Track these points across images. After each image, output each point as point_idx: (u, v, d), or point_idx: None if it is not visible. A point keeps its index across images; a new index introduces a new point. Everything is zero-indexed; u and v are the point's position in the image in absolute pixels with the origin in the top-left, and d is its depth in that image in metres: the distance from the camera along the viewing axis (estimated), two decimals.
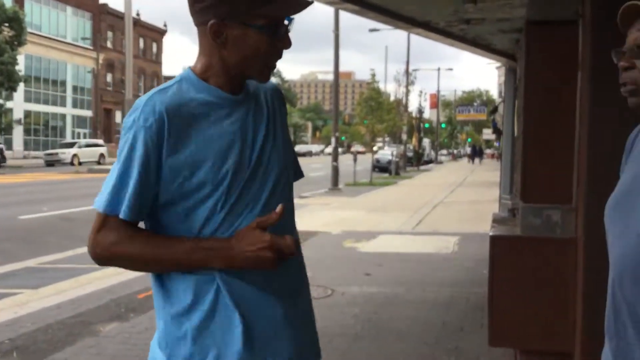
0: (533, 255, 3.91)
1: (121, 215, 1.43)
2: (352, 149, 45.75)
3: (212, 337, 1.46)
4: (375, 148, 32.68)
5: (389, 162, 34.39)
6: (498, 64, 16.63)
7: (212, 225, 1.46)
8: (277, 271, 1.47)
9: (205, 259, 1.44)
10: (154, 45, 58.51)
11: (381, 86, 39.69)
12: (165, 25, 59.63)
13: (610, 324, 1.55)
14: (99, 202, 1.46)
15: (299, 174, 1.71)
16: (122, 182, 1.44)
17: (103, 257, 1.47)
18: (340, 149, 28.24)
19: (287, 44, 1.49)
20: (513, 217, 4.98)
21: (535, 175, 3.99)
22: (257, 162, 1.49)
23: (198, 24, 1.48)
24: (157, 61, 59.25)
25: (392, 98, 40.39)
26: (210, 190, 1.44)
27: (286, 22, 1.47)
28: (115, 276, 7.39)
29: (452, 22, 8.18)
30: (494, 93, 70.87)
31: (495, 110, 20.63)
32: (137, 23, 49.11)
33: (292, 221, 1.61)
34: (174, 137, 1.43)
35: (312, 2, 1.47)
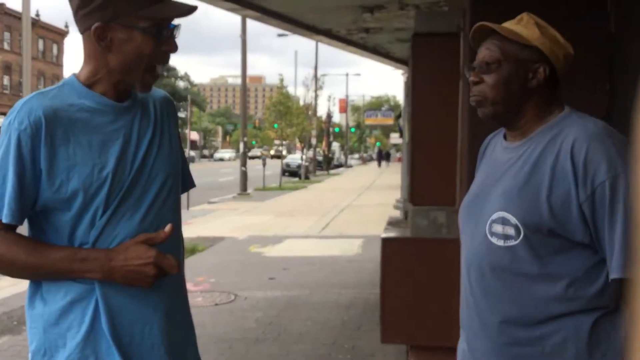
0: (421, 255, 4.11)
1: (3, 220, 1.43)
2: (263, 153, 45.73)
3: (92, 348, 1.47)
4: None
5: (299, 166, 34.63)
6: (402, 70, 17.15)
7: (95, 231, 1.47)
8: (157, 285, 1.49)
9: (84, 269, 1.44)
10: (55, 47, 56.23)
11: (291, 90, 39.93)
12: (66, 26, 57.39)
13: (463, 317, 1.71)
14: None
15: (190, 183, 1.74)
16: (0, 187, 1.44)
17: None
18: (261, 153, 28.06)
19: (173, 47, 1.52)
20: (406, 219, 5.20)
21: (423, 179, 4.20)
22: (139, 169, 1.51)
23: (83, 30, 1.50)
24: (58, 63, 56.96)
25: (301, 102, 40.71)
26: (91, 195, 1.45)
27: (172, 27, 1.50)
28: (8, 288, 7.11)
29: (352, 31, 8.43)
30: (401, 98, 72.89)
31: (400, 115, 21.29)
32: (37, 24, 47.08)
33: (179, 232, 1.63)
34: (51, 141, 1.44)
35: (196, 8, 1.51)
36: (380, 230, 11.43)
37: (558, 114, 1.59)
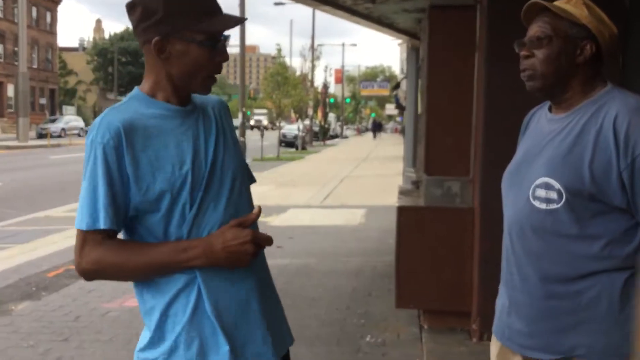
0: (435, 223, 4.24)
1: (102, 226, 1.54)
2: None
3: (197, 331, 1.59)
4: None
5: (296, 137, 34.66)
6: (400, 41, 17.10)
7: (186, 226, 1.58)
8: (249, 270, 1.62)
9: (188, 259, 1.55)
10: (48, 15, 55.61)
11: (287, 61, 39.74)
12: None
13: (504, 274, 1.84)
14: (78, 222, 1.56)
15: (251, 179, 1.84)
16: (93, 198, 1.55)
17: (90, 272, 1.58)
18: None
19: (225, 57, 1.64)
20: (417, 189, 5.32)
21: (438, 149, 4.31)
22: (212, 163, 1.62)
23: (143, 43, 1.61)
24: (52, 31, 56.41)
25: (297, 73, 40.57)
26: (176, 192, 1.57)
27: (223, 38, 1.62)
28: (19, 256, 7.24)
29: (358, 1, 8.43)
30: (397, 69, 72.57)
31: (397, 86, 21.28)
32: None
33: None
34: (132, 149, 1.55)
35: (246, 19, 1.64)
36: (382, 201, 11.60)
37: (601, 89, 1.70)
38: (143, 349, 1.64)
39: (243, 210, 1.67)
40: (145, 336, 1.65)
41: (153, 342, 1.62)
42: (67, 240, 8.30)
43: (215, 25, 1.59)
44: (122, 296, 5.43)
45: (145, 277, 1.61)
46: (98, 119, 1.60)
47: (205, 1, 1.60)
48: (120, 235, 1.64)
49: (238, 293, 1.62)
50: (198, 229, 1.59)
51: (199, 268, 1.58)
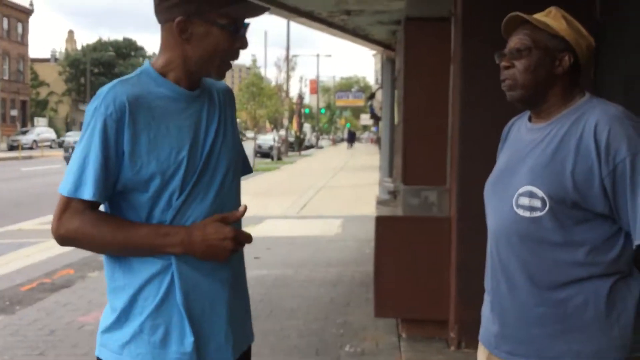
0: (413, 233, 4.28)
1: (86, 197, 1.52)
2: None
3: (164, 318, 1.59)
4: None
5: (271, 147, 34.61)
6: (374, 52, 17.25)
7: (171, 212, 1.58)
8: (225, 262, 1.62)
9: (165, 244, 1.55)
10: (20, 26, 54.94)
11: (261, 71, 39.74)
12: (31, 5, 56.15)
13: (488, 282, 1.87)
14: (63, 187, 1.55)
15: (247, 169, 1.84)
16: (84, 167, 1.53)
17: (67, 238, 1.57)
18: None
19: (245, 44, 1.64)
20: (394, 199, 5.37)
21: (415, 159, 4.36)
22: (208, 154, 1.62)
23: (164, 20, 1.60)
24: (23, 43, 55.73)
25: (272, 84, 40.62)
26: (168, 177, 1.56)
27: (244, 25, 1.62)
28: None
29: (334, 13, 8.51)
30: (371, 80, 73.07)
31: (372, 96, 21.42)
32: (1, 2, 45.96)
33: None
34: (134, 125, 1.54)
35: (269, 8, 1.65)
36: (358, 211, 11.65)
37: (580, 99, 1.75)
38: (107, 330, 1.62)
39: (230, 204, 1.67)
40: (108, 316, 1.63)
41: (119, 324, 1.61)
42: (40, 253, 8.19)
43: (240, 11, 1.59)
44: (98, 309, 5.37)
45: (119, 254, 1.60)
46: (104, 89, 1.58)
47: None
48: (102, 208, 1.63)
49: (210, 286, 1.62)
50: (182, 217, 1.59)
51: (176, 255, 1.57)
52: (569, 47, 1.73)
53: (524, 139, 1.82)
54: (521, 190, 1.71)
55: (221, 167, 1.66)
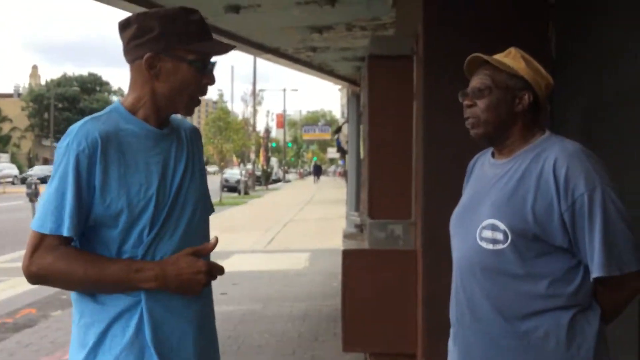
0: (380, 266, 4.31)
1: (65, 232, 1.54)
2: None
3: (135, 355, 1.59)
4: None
5: (238, 181, 34.51)
6: (340, 86, 17.49)
7: (142, 248, 1.60)
8: (193, 299, 1.64)
9: (139, 280, 1.56)
10: None
11: (228, 106, 39.82)
12: None
13: (453, 314, 1.91)
14: (39, 224, 1.56)
15: (210, 208, 1.86)
16: (61, 203, 1.55)
17: (39, 276, 1.57)
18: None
19: (212, 80, 1.69)
20: (361, 232, 5.41)
21: (380, 193, 4.42)
22: (177, 191, 1.65)
23: (132, 60, 1.65)
24: None
25: (239, 118, 40.67)
26: (137, 213, 1.58)
27: (211, 63, 1.67)
28: None
29: (300, 49, 8.66)
30: (337, 113, 73.74)
31: (339, 130, 21.61)
32: None
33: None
34: (105, 161, 1.57)
35: (235, 46, 1.69)
36: (326, 244, 11.66)
37: (540, 136, 1.83)
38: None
39: (199, 240, 1.69)
40: (77, 353, 1.62)
41: (86, 352, 1.60)
42: (1, 292, 8.00)
43: (207, 47, 1.65)
44: (61, 349, 5.26)
45: (92, 290, 1.60)
46: (76, 125, 1.61)
47: (198, 25, 1.65)
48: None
49: (179, 323, 1.64)
50: (152, 253, 1.61)
51: (146, 291, 1.58)
52: (528, 86, 1.81)
53: (487, 174, 1.89)
54: (484, 223, 1.77)
55: (189, 204, 1.68)
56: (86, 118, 1.65)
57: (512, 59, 1.83)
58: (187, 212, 1.67)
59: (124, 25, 1.65)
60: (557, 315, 1.71)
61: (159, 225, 1.61)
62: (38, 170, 42.04)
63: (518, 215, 1.71)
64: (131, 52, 1.65)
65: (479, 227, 1.78)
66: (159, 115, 1.68)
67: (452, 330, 1.94)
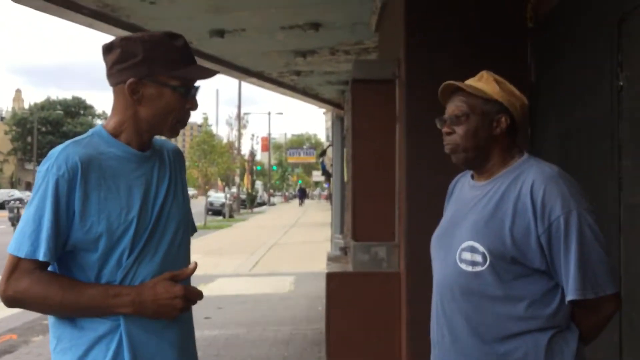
0: (364, 288, 4.32)
1: (41, 257, 1.53)
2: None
3: None
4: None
5: (223, 204, 34.39)
6: (325, 110, 17.57)
7: (121, 271, 1.59)
8: (173, 322, 1.64)
9: (116, 305, 1.55)
10: None
11: (213, 129, 39.80)
12: None
13: (434, 334, 1.92)
14: (15, 248, 1.54)
15: (193, 228, 1.86)
16: (38, 227, 1.54)
17: (15, 300, 1.56)
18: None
19: (195, 105, 1.69)
20: (345, 254, 5.42)
21: (364, 216, 4.44)
22: (158, 214, 1.65)
23: (115, 84, 1.65)
24: None
25: (224, 141, 40.66)
26: (117, 237, 1.58)
27: (194, 88, 1.67)
28: None
29: (284, 73, 8.73)
30: (322, 136, 73.99)
31: (323, 153, 21.64)
32: None
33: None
34: (85, 185, 1.56)
35: (219, 72, 1.70)
36: (311, 268, 11.63)
37: (518, 158, 1.85)
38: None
39: (180, 263, 1.69)
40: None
41: None
42: None
43: (191, 74, 1.65)
44: None
45: (69, 315, 1.59)
46: (57, 149, 1.60)
47: (182, 51, 1.65)
48: (50, 268, 1.62)
49: (158, 347, 1.63)
50: (132, 277, 1.60)
51: (125, 316, 1.57)
52: (504, 108, 1.83)
53: (467, 195, 1.91)
54: (464, 245, 1.78)
55: (171, 226, 1.68)
56: (67, 142, 1.64)
57: (484, 82, 1.85)
58: (168, 235, 1.68)
59: (107, 49, 1.65)
60: (536, 337, 1.72)
61: (139, 248, 1.61)
62: (20, 194, 41.78)
63: (496, 237, 1.73)
64: (114, 76, 1.65)
65: (459, 249, 1.79)
66: (142, 139, 1.68)
67: (432, 351, 1.95)
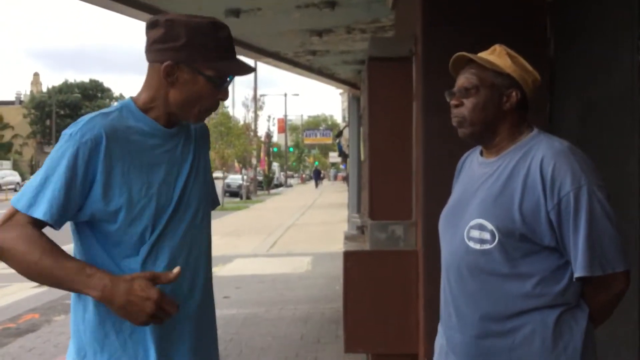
0: (381, 267, 4.32)
1: (37, 215, 1.53)
2: None
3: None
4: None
5: (240, 186, 34.53)
6: (341, 90, 17.50)
7: (146, 247, 1.60)
8: (190, 295, 1.66)
9: (86, 284, 1.51)
10: None
11: (229, 111, 39.81)
12: None
13: (442, 314, 1.91)
14: (17, 200, 1.55)
15: (216, 202, 1.88)
16: (42, 186, 1.54)
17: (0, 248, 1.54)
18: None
19: (226, 96, 1.69)
20: (362, 234, 5.42)
21: (381, 194, 4.43)
22: (181, 192, 1.66)
23: (152, 60, 1.65)
24: None
25: (240, 123, 40.69)
26: (137, 211, 1.59)
27: (229, 79, 1.67)
28: None
29: (300, 53, 8.68)
30: (338, 117, 73.81)
31: (340, 134, 21.63)
32: None
33: (207, 249, 1.77)
34: (109, 158, 1.57)
35: (255, 69, 1.67)
36: (328, 248, 11.67)
37: (528, 134, 1.81)
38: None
39: (199, 240, 1.71)
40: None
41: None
42: (3, 298, 8.02)
43: (229, 68, 1.65)
44: (64, 353, 5.26)
45: (39, 280, 1.56)
46: (85, 117, 1.61)
47: (224, 42, 1.64)
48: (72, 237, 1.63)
49: (177, 318, 1.62)
50: (158, 253, 1.60)
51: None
52: (515, 83, 1.80)
53: (475, 172, 1.88)
54: (472, 223, 1.76)
55: (192, 204, 1.69)
56: (96, 112, 1.65)
57: (497, 56, 1.81)
58: (189, 213, 1.68)
59: (151, 25, 1.65)
60: (544, 314, 1.70)
61: (163, 224, 1.61)
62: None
63: (505, 214, 1.70)
64: (153, 53, 1.65)
65: (467, 227, 1.77)
66: (169, 118, 1.69)
67: (439, 329, 1.94)
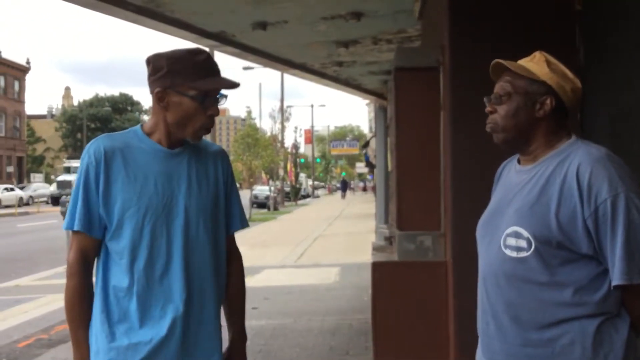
0: (409, 278, 4.30)
1: (75, 227, 1.89)
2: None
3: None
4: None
5: (267, 197, 34.67)
6: (367, 101, 17.51)
7: (147, 236, 1.89)
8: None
9: (74, 350, 1.97)
10: (16, 84, 55.46)
11: (256, 122, 40.10)
12: (28, 62, 56.87)
13: (480, 323, 1.89)
14: (65, 223, 1.93)
15: (244, 222, 2.15)
16: (74, 204, 1.91)
17: (69, 265, 1.94)
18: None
19: (215, 111, 1.94)
20: (390, 244, 5.40)
21: (409, 205, 4.41)
22: (169, 200, 1.90)
23: (151, 92, 1.94)
24: (20, 100, 56.21)
25: (267, 134, 40.94)
26: (127, 215, 1.88)
27: (218, 96, 1.92)
28: None
29: (326, 64, 8.72)
30: (365, 128, 73.81)
31: (367, 144, 21.65)
32: None
33: (210, 260, 1.99)
34: (108, 171, 1.89)
35: (238, 85, 1.92)
36: (355, 259, 11.65)
37: (566, 141, 1.80)
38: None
39: (201, 249, 1.94)
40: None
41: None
42: (37, 309, 8.14)
43: (207, 85, 1.89)
44: None
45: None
46: (91, 141, 1.95)
47: (202, 64, 1.90)
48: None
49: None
50: (140, 259, 1.88)
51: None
52: (551, 90, 1.78)
53: (512, 180, 1.87)
54: (508, 230, 1.75)
55: (180, 212, 1.91)
56: (102, 135, 1.97)
57: (535, 63, 1.81)
58: (179, 219, 1.90)
59: (146, 63, 1.95)
60: (583, 324, 1.68)
61: (152, 223, 1.87)
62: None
63: (542, 222, 1.69)
64: (150, 85, 1.94)
65: (503, 235, 1.76)
66: (171, 139, 1.95)
67: (479, 340, 1.92)
